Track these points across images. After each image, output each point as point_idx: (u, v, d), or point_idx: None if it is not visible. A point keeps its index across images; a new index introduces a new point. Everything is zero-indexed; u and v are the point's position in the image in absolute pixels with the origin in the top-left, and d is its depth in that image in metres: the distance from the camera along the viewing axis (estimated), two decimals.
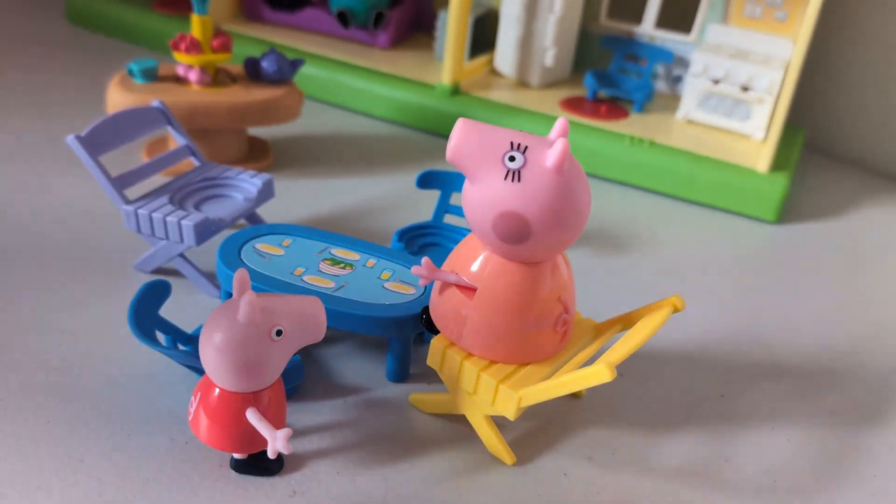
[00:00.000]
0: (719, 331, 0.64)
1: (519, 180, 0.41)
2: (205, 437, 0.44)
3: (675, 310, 0.49)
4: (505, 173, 0.41)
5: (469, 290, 0.45)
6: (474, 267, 0.45)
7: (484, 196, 0.42)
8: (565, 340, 0.49)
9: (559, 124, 0.44)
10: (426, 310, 0.49)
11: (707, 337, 0.63)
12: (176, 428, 0.48)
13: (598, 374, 0.41)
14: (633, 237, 0.77)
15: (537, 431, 0.51)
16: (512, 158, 0.42)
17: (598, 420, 0.53)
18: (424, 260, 0.45)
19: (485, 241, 0.44)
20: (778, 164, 0.83)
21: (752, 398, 0.57)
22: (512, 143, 0.42)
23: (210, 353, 0.42)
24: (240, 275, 0.42)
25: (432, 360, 0.48)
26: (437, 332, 0.49)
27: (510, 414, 0.45)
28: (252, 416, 0.43)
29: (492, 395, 0.45)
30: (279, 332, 0.41)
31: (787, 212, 0.85)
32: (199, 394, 0.44)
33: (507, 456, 0.48)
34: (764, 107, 0.86)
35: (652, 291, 0.68)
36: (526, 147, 0.42)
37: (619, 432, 0.52)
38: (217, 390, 0.43)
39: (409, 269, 0.56)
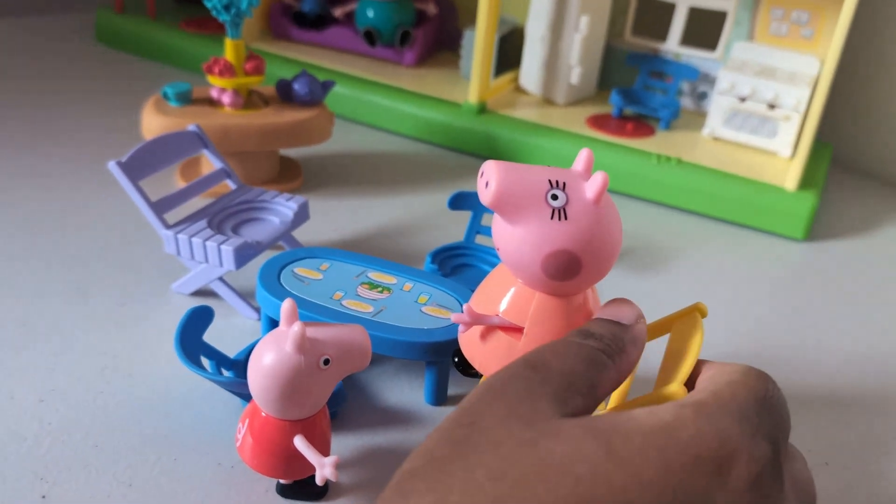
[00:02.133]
0: (748, 351, 0.65)
1: (566, 218, 0.42)
2: (252, 463, 0.45)
3: (702, 315, 0.49)
4: (550, 213, 0.42)
5: (515, 330, 0.45)
6: (516, 305, 0.45)
7: (531, 238, 0.42)
8: None
9: (584, 155, 0.44)
10: (458, 352, 0.50)
11: (736, 357, 0.64)
12: (221, 453, 0.49)
13: (673, 395, 0.42)
14: (660, 256, 0.78)
15: None
16: (555, 197, 0.42)
17: None
18: (466, 307, 0.45)
19: (527, 280, 0.44)
20: (806, 181, 0.83)
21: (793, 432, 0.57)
22: (551, 182, 0.42)
23: (258, 381, 0.43)
24: (288, 305, 0.43)
25: None
26: (472, 374, 0.49)
27: None
28: (300, 444, 0.43)
29: None
30: (326, 362, 0.42)
31: (816, 229, 0.85)
32: (247, 420, 0.45)
33: None
34: (791, 124, 0.86)
35: (678, 308, 0.68)
36: (564, 183, 0.43)
37: None
38: (265, 417, 0.44)
39: (446, 292, 0.57)
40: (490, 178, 0.42)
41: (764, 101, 0.87)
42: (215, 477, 0.47)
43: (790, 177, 0.82)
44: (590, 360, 0.34)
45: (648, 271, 0.75)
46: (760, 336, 0.67)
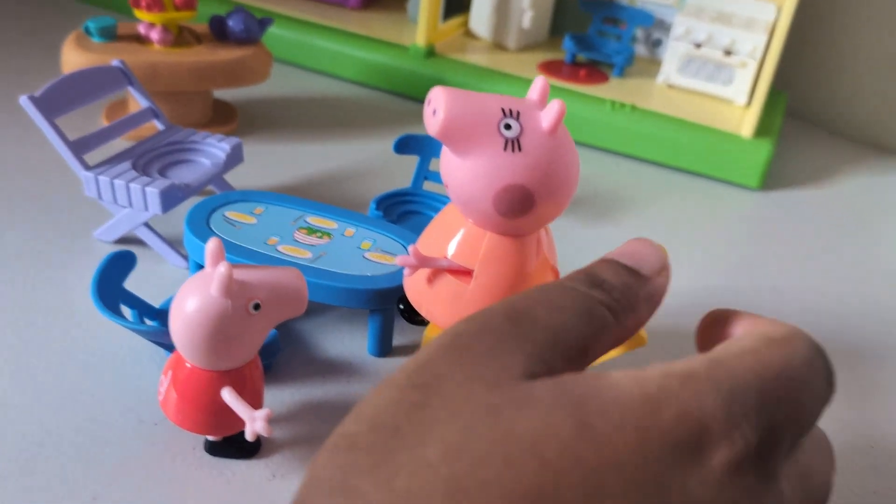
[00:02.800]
0: (704, 301, 0.63)
1: (520, 149, 0.38)
2: (177, 419, 0.41)
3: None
4: (503, 143, 0.38)
5: (464, 273, 0.42)
6: (466, 247, 0.42)
7: (482, 171, 0.39)
8: None
9: (539, 84, 0.41)
10: (403, 298, 0.46)
11: (691, 307, 0.62)
12: (145, 409, 0.45)
13: (634, 340, 0.39)
14: (614, 205, 0.75)
15: None
16: (508, 126, 0.39)
17: None
18: (412, 248, 0.42)
19: (476, 218, 0.41)
20: (761, 129, 0.81)
21: None
22: (504, 110, 0.39)
23: (181, 328, 0.39)
24: (213, 244, 0.39)
25: None
26: (418, 321, 0.46)
27: None
28: (228, 396, 0.40)
29: None
30: (257, 306, 0.39)
31: (770, 178, 0.83)
32: (169, 372, 0.41)
33: None
34: (747, 71, 0.84)
35: None
36: (518, 112, 0.39)
37: None
38: (190, 368, 0.40)
39: (391, 237, 0.53)
40: (438, 106, 0.39)
41: (720, 48, 0.84)
42: (137, 434, 0.43)
43: (746, 125, 0.79)
44: (589, 316, 0.27)
45: (601, 220, 0.72)
46: (716, 285, 0.65)
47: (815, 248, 0.73)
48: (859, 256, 0.72)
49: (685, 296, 0.62)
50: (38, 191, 0.64)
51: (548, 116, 0.39)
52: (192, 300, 0.38)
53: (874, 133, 0.98)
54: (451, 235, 0.43)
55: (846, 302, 0.65)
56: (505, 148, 0.39)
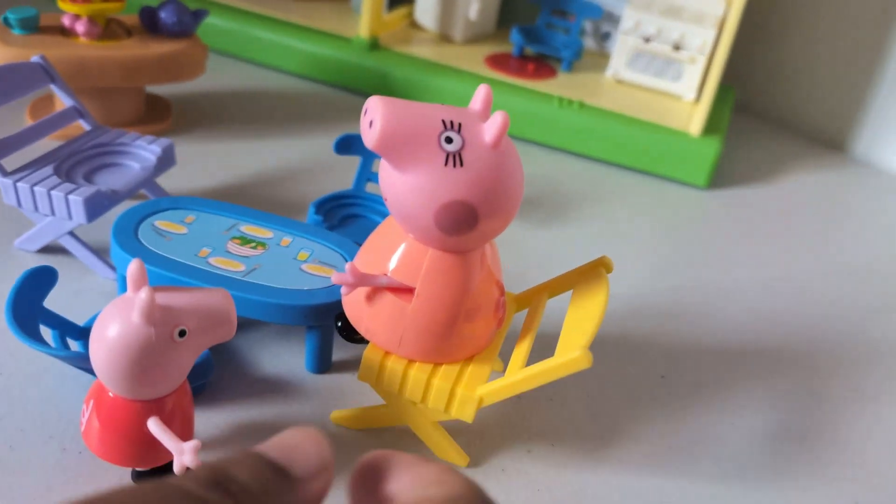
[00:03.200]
0: (652, 303, 0.62)
1: (461, 164, 0.36)
2: (100, 451, 0.39)
3: (607, 270, 0.46)
4: (444, 158, 0.36)
5: (405, 291, 0.40)
6: (407, 264, 0.40)
7: (422, 187, 0.37)
8: (502, 324, 0.45)
9: (482, 93, 0.39)
10: (341, 316, 0.44)
11: (640, 310, 0.61)
12: (68, 436, 0.42)
13: (578, 361, 0.38)
14: (561, 204, 0.74)
15: (471, 426, 0.47)
16: (449, 140, 0.37)
17: (534, 409, 0.49)
18: (349, 266, 0.40)
19: (417, 234, 0.39)
20: (710, 126, 0.81)
21: (693, 377, 0.54)
22: (445, 122, 0.37)
23: (102, 356, 0.36)
24: (134, 267, 0.36)
25: (365, 375, 0.42)
26: (357, 339, 0.44)
27: (469, 417, 0.41)
28: (154, 427, 0.37)
29: (445, 402, 0.41)
30: (182, 333, 0.36)
31: (718, 175, 0.83)
32: (91, 401, 0.39)
33: (459, 458, 0.44)
34: (696, 67, 0.83)
35: (580, 261, 0.65)
36: (460, 124, 0.37)
37: (556, 422, 0.49)
38: (113, 397, 0.38)
39: (330, 247, 0.51)
40: (375, 117, 0.37)
41: (669, 42, 0.83)
42: (59, 464, 0.41)
43: (695, 122, 0.79)
44: None
45: (549, 221, 0.71)
46: (664, 287, 0.64)
47: (761, 246, 0.72)
48: (805, 252, 0.72)
49: (633, 298, 0.61)
50: None
51: (491, 129, 0.37)
52: (113, 327, 0.36)
53: (820, 129, 0.99)
54: (392, 251, 0.41)
55: (793, 297, 0.65)
56: (446, 162, 0.37)
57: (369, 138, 0.37)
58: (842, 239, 0.76)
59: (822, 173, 0.89)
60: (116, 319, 0.36)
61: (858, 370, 0.58)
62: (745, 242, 0.73)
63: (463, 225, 0.38)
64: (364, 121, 0.38)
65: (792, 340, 0.60)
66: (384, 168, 0.38)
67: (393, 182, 0.38)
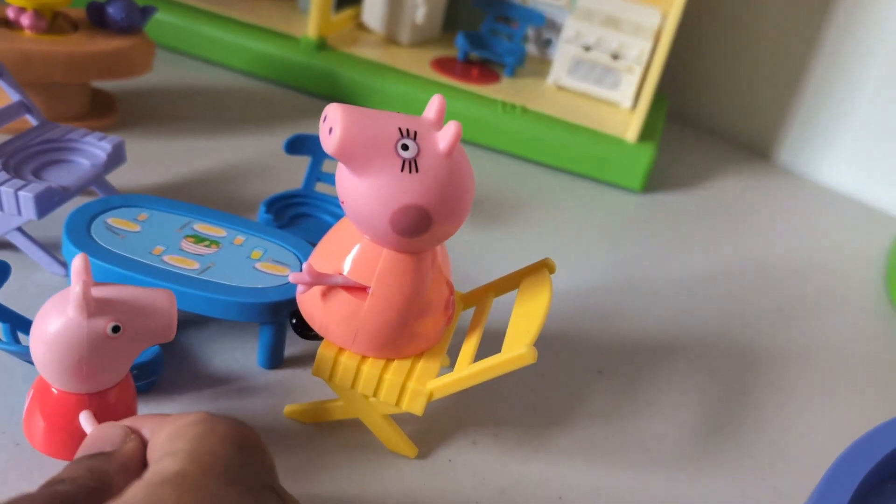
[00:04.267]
0: (590, 302, 0.65)
1: (417, 170, 0.39)
2: (41, 445, 0.39)
3: (550, 271, 0.48)
4: (401, 164, 0.38)
5: (360, 290, 0.42)
6: (362, 264, 0.42)
7: (379, 191, 0.39)
8: (451, 322, 0.47)
9: (436, 103, 0.41)
10: (297, 313, 0.46)
11: (579, 309, 0.64)
12: (20, 431, 0.43)
13: (523, 357, 0.40)
14: (503, 206, 0.76)
15: (419, 419, 0.49)
16: (405, 147, 0.39)
17: (479, 402, 0.52)
18: (306, 265, 0.41)
19: (373, 235, 0.41)
20: (645, 133, 0.84)
21: (628, 372, 0.57)
22: (401, 130, 0.39)
23: (39, 348, 0.37)
24: (79, 261, 0.37)
25: (319, 370, 0.44)
26: (311, 336, 0.45)
27: (419, 410, 0.43)
28: (85, 421, 0.38)
29: (396, 396, 0.43)
30: (116, 329, 0.37)
31: (651, 181, 0.87)
32: (32, 391, 0.39)
33: (409, 450, 0.46)
34: (633, 76, 0.87)
35: (522, 262, 0.67)
36: (416, 132, 0.39)
37: (499, 415, 0.51)
38: (53, 391, 0.38)
39: (282, 246, 0.52)
40: (334, 124, 0.38)
41: (608, 52, 0.86)
42: (13, 460, 0.41)
43: (631, 129, 0.82)
44: None
45: (491, 222, 0.73)
46: (600, 287, 0.67)
47: (691, 248, 0.76)
48: (730, 255, 0.76)
49: (571, 297, 0.64)
50: None
51: (445, 138, 0.39)
52: (51, 320, 0.37)
53: (747, 137, 1.04)
54: (347, 251, 0.42)
55: (718, 296, 0.68)
56: (402, 168, 0.39)
57: (329, 144, 0.38)
58: (764, 242, 0.81)
59: (748, 180, 0.94)
60: (53, 313, 0.37)
61: (776, 367, 0.62)
62: (675, 244, 0.76)
63: (417, 228, 0.40)
64: (323, 127, 0.39)
65: (717, 338, 0.64)
66: (342, 172, 0.40)
67: (351, 186, 0.40)
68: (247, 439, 0.31)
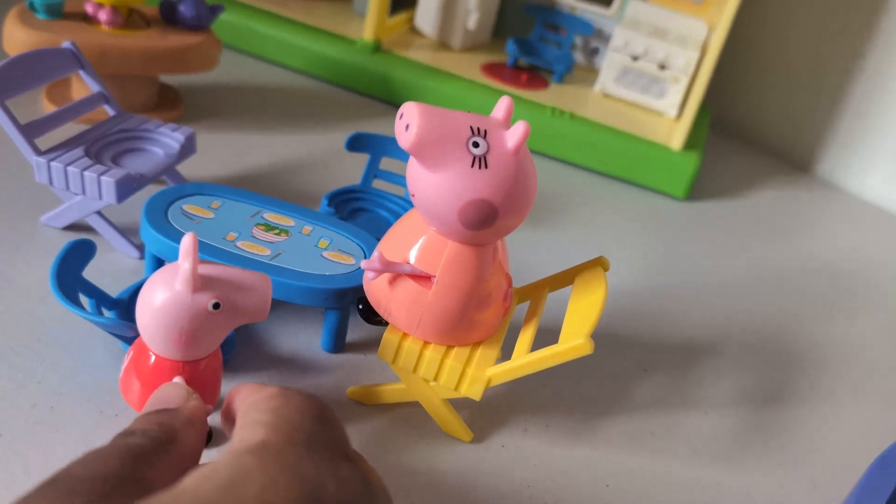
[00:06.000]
0: (635, 302, 0.67)
1: (486, 167, 0.41)
2: (135, 403, 0.42)
3: (605, 269, 0.50)
4: (471, 161, 0.41)
5: (425, 279, 0.44)
6: (428, 254, 0.44)
7: (450, 186, 0.41)
8: (508, 312, 0.49)
9: (504, 104, 0.43)
10: (363, 299, 0.48)
11: (624, 308, 0.66)
12: (103, 399, 0.46)
13: (581, 348, 0.42)
14: (549, 208, 0.79)
15: (474, 407, 0.52)
16: (476, 144, 0.41)
17: (530, 394, 0.54)
18: (378, 253, 0.44)
19: (440, 227, 0.43)
20: (689, 142, 0.86)
21: (671, 369, 0.59)
22: (473, 128, 0.41)
23: (145, 316, 0.40)
24: (188, 239, 0.39)
25: (384, 353, 0.46)
26: (376, 321, 0.48)
27: (477, 395, 0.45)
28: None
29: (456, 381, 0.45)
30: (216, 306, 0.40)
31: (695, 188, 0.88)
32: (131, 353, 0.42)
33: (464, 433, 0.49)
34: (679, 86, 0.89)
35: (568, 261, 0.69)
36: (486, 131, 0.42)
37: (550, 406, 0.53)
38: (152, 356, 0.41)
39: (347, 237, 0.55)
40: (411, 121, 0.41)
41: (655, 62, 0.88)
42: (98, 426, 0.44)
43: (676, 137, 0.84)
44: (130, 458, 0.30)
45: (538, 223, 0.75)
46: (645, 290, 0.69)
47: (732, 254, 0.78)
48: (770, 261, 0.78)
49: (617, 298, 0.66)
50: None
51: (513, 137, 0.42)
52: (156, 290, 0.39)
53: (788, 149, 1.05)
54: (413, 241, 0.45)
55: (759, 301, 0.70)
56: (472, 164, 0.41)
57: (405, 140, 0.41)
58: (803, 250, 0.82)
59: (789, 191, 0.96)
60: (161, 283, 0.39)
61: (814, 368, 0.64)
62: (717, 250, 0.78)
63: (484, 221, 0.42)
64: (400, 124, 0.42)
65: (757, 340, 0.65)
66: (414, 167, 0.43)
67: (422, 180, 0.42)
68: (321, 410, 0.32)
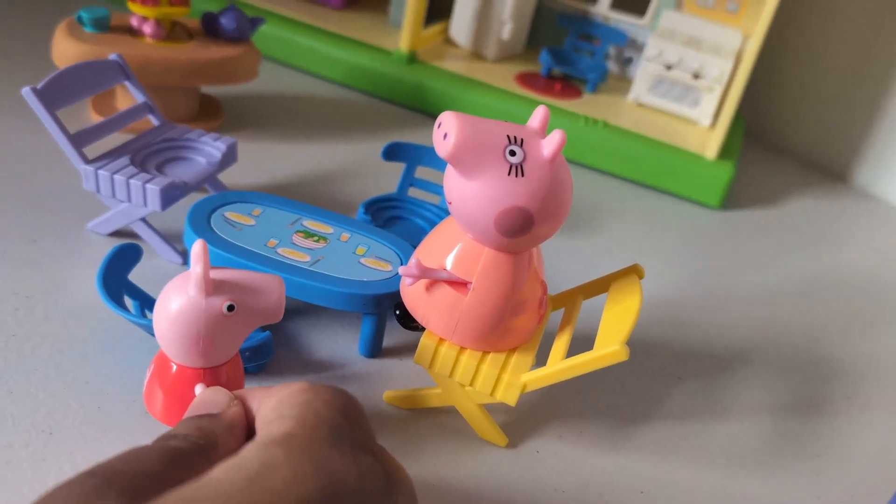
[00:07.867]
0: (668, 311, 0.67)
1: (523, 175, 0.42)
2: (160, 415, 0.43)
3: (639, 276, 0.51)
4: (508, 169, 0.41)
5: (461, 285, 0.45)
6: (464, 261, 0.45)
7: (486, 193, 0.42)
8: (543, 319, 0.50)
9: (541, 113, 0.44)
10: (400, 304, 0.49)
11: (657, 317, 0.66)
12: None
13: (616, 354, 0.43)
14: (583, 216, 0.79)
15: (509, 412, 0.52)
16: (513, 153, 0.42)
17: (565, 401, 0.54)
18: (415, 260, 0.45)
19: (476, 234, 0.44)
20: (724, 152, 0.86)
21: (705, 378, 0.59)
22: (509, 137, 0.42)
23: (162, 323, 0.41)
24: (198, 246, 0.40)
25: (421, 358, 0.47)
26: (413, 327, 0.49)
27: (513, 401, 0.46)
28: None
29: (492, 386, 0.46)
30: (230, 308, 0.40)
31: (729, 198, 0.88)
32: (153, 366, 0.43)
33: (499, 438, 0.49)
34: (713, 95, 0.89)
35: (601, 269, 0.70)
36: (522, 140, 0.42)
37: (584, 413, 0.54)
38: (172, 365, 0.42)
39: (384, 244, 0.56)
40: (449, 130, 0.42)
41: (689, 71, 0.89)
42: (142, 426, 0.45)
43: (710, 146, 0.84)
44: (169, 460, 0.31)
45: (572, 231, 0.76)
46: (679, 298, 0.69)
47: (767, 263, 0.78)
48: (806, 271, 0.77)
49: (651, 306, 0.67)
50: (31, 182, 0.65)
51: (549, 146, 0.42)
52: (172, 298, 0.40)
53: (824, 159, 1.04)
54: (450, 248, 0.46)
55: (793, 311, 0.70)
56: (509, 173, 0.42)
57: (443, 149, 0.42)
58: (839, 260, 0.82)
59: (825, 200, 0.95)
60: (175, 291, 0.40)
61: (852, 380, 0.63)
62: (751, 260, 0.78)
63: (520, 228, 0.43)
64: (438, 133, 0.43)
65: (791, 350, 0.65)
66: (451, 175, 0.44)
67: (459, 187, 0.43)
68: (347, 404, 0.33)
